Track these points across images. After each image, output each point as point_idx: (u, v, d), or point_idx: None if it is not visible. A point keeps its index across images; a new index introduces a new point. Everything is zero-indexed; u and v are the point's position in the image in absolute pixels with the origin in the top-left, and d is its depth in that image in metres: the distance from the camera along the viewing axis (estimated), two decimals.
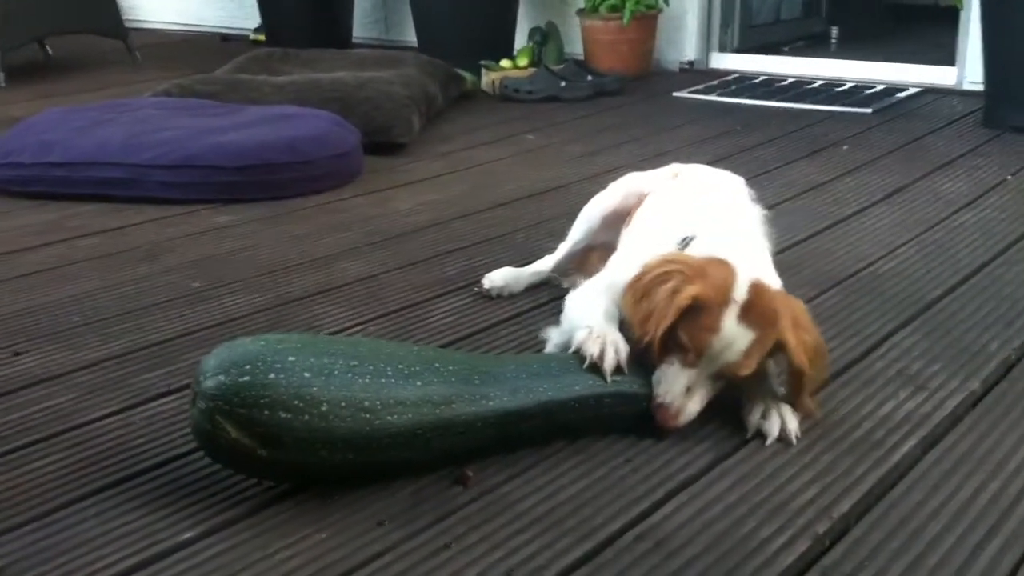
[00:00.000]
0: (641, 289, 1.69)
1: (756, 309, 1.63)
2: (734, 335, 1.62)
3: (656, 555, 1.38)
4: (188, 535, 1.42)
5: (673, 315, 1.62)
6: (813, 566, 1.37)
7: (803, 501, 1.50)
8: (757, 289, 1.65)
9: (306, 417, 1.44)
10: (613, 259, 1.99)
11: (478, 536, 1.42)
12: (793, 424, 1.67)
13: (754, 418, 1.69)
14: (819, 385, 1.74)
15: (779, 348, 1.66)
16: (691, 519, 1.46)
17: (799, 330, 1.66)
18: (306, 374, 1.46)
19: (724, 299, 1.62)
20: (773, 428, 1.66)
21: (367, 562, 1.37)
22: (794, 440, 1.65)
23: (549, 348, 1.86)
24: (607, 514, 1.47)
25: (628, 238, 2.04)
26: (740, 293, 1.63)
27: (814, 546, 1.40)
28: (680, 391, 1.64)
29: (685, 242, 1.79)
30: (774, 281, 1.73)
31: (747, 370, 1.65)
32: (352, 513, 1.47)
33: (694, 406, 1.65)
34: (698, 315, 1.62)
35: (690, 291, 1.62)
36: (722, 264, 1.67)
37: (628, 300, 1.71)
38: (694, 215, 1.89)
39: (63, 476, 1.56)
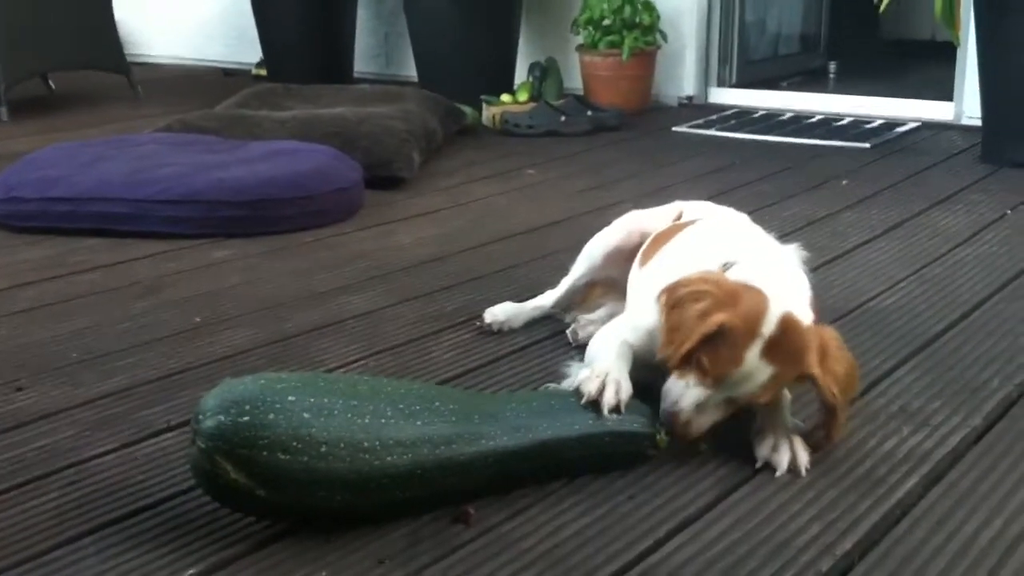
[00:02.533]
0: (673, 300, 1.68)
1: (782, 345, 1.62)
2: (755, 368, 1.62)
3: None
4: (189, 572, 1.41)
5: (696, 339, 1.62)
6: None
7: (806, 539, 1.49)
8: (786, 323, 1.63)
9: (305, 458, 1.44)
10: (634, 298, 1.98)
11: (478, 575, 1.41)
12: (804, 457, 1.67)
13: (764, 450, 1.69)
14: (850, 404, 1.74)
15: (805, 381, 1.66)
16: (693, 557, 1.45)
17: (828, 361, 1.66)
18: (305, 415, 1.45)
19: (751, 331, 1.61)
20: (783, 460, 1.66)
21: None
22: (803, 472, 1.65)
23: (565, 382, 1.85)
24: (608, 552, 1.46)
25: (650, 275, 1.98)
26: (768, 327, 1.62)
27: None
28: (690, 405, 1.64)
29: (726, 266, 1.77)
30: (806, 314, 1.69)
31: (764, 400, 1.66)
32: (352, 552, 1.46)
33: (704, 421, 1.66)
34: (722, 343, 1.61)
35: (718, 318, 1.61)
36: (756, 293, 1.65)
37: (662, 304, 1.70)
38: (734, 246, 1.86)
39: (62, 514, 1.55)
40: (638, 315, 1.86)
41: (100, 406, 1.91)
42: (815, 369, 1.64)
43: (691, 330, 1.63)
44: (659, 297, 1.71)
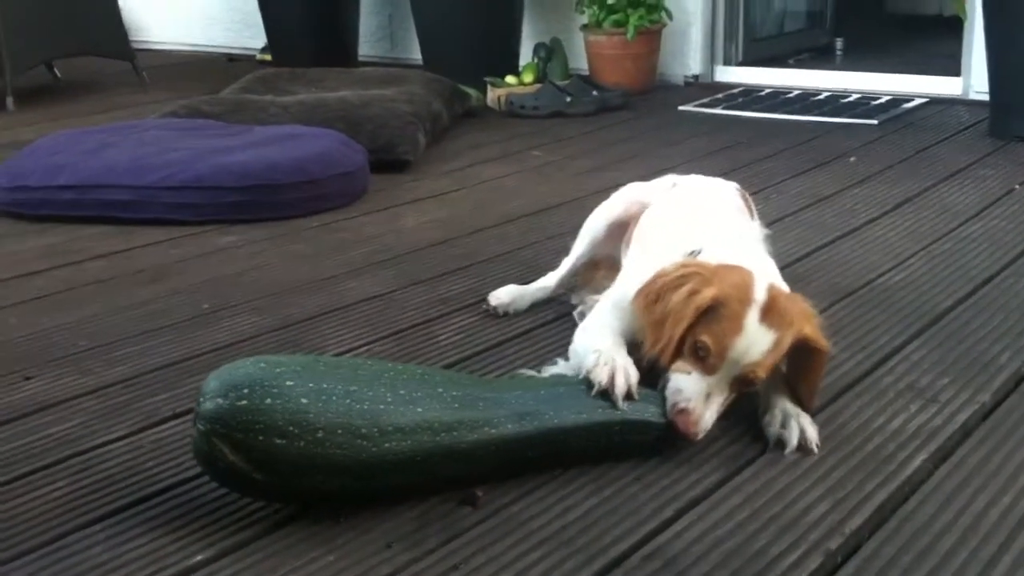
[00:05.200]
0: (655, 293, 1.68)
1: (774, 310, 1.63)
2: (756, 335, 1.62)
3: (666, 574, 1.37)
4: (198, 558, 1.42)
5: (692, 315, 1.62)
6: None
7: (814, 517, 1.49)
8: (773, 291, 1.65)
9: (301, 444, 1.44)
10: (618, 279, 1.99)
11: (486, 557, 1.41)
12: (813, 433, 1.67)
13: (774, 428, 1.68)
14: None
15: (799, 343, 1.66)
16: (701, 537, 1.45)
17: (811, 322, 1.68)
18: (303, 400, 1.45)
19: (745, 299, 1.62)
20: (793, 437, 1.66)
21: None
22: (815, 449, 1.65)
23: (550, 371, 1.84)
24: (616, 533, 1.46)
25: (630, 257, 2.03)
26: (759, 294, 1.63)
27: (826, 563, 1.39)
28: (701, 397, 1.62)
29: (692, 255, 1.79)
30: (784, 286, 1.74)
31: (765, 372, 1.64)
32: (360, 535, 1.46)
33: (711, 415, 1.64)
34: (719, 316, 1.62)
35: (709, 293, 1.62)
36: (738, 268, 1.68)
37: (640, 304, 1.70)
38: (696, 231, 1.89)
39: (72, 501, 1.56)
40: (620, 296, 1.84)
41: (108, 394, 1.92)
42: (806, 328, 1.66)
43: (684, 310, 1.63)
44: (635, 300, 1.72)
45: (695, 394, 1.62)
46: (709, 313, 1.62)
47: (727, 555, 1.41)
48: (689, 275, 1.67)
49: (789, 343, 1.65)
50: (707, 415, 1.63)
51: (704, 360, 1.62)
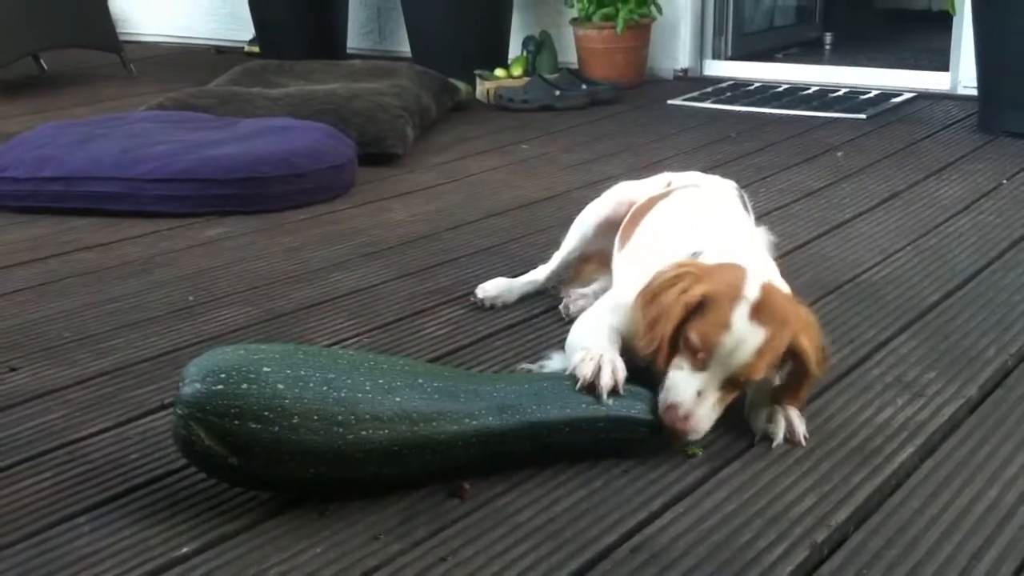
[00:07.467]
0: (651, 293, 1.68)
1: (768, 308, 1.61)
2: (745, 333, 1.59)
3: (653, 567, 1.37)
4: (184, 550, 1.41)
5: (680, 312, 1.61)
6: (811, 575, 1.36)
7: (801, 510, 1.49)
8: (768, 289, 1.63)
9: (276, 429, 1.44)
10: (616, 279, 1.98)
11: (474, 549, 1.41)
12: (801, 427, 1.67)
13: (760, 423, 1.68)
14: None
15: (792, 351, 1.64)
16: (688, 530, 1.45)
17: (810, 333, 1.66)
18: (279, 386, 1.45)
19: (735, 295, 1.60)
20: (779, 431, 1.66)
21: None
22: (803, 441, 1.65)
23: (547, 368, 1.83)
24: (603, 526, 1.46)
25: (628, 256, 2.00)
26: (751, 291, 1.61)
27: (812, 555, 1.40)
28: (691, 394, 1.60)
29: (694, 256, 1.77)
30: (783, 286, 1.71)
31: (759, 373, 1.62)
32: (347, 527, 1.46)
33: (706, 412, 1.61)
34: (708, 313, 1.60)
35: (699, 289, 1.61)
36: (732, 266, 1.67)
37: (638, 306, 1.69)
38: (699, 231, 1.86)
39: (57, 493, 1.55)
40: (621, 297, 1.83)
41: (94, 386, 1.91)
42: (802, 337, 1.63)
43: (674, 307, 1.61)
44: (635, 301, 1.71)
45: (685, 390, 1.60)
46: (699, 310, 1.61)
47: (714, 548, 1.41)
48: (683, 275, 1.65)
49: (785, 344, 1.62)
50: (700, 412, 1.60)
51: (695, 356, 1.61)
